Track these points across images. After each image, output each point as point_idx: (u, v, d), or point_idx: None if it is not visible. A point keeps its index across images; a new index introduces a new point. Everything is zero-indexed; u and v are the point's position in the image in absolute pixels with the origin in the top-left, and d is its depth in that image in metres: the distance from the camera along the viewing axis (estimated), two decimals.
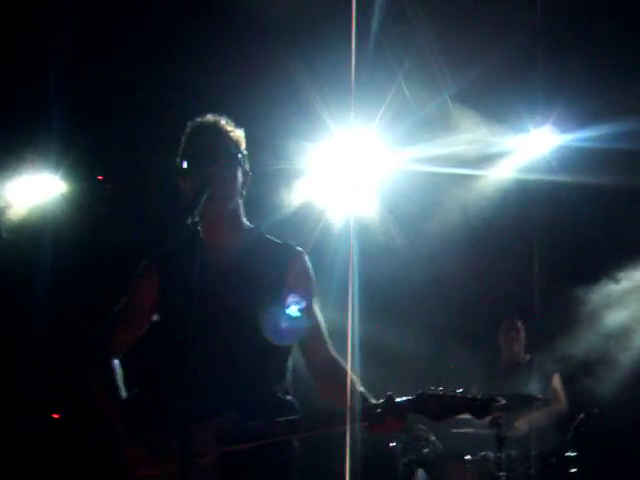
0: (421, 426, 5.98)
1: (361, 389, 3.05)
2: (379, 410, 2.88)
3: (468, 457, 5.86)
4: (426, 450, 5.97)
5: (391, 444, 6.06)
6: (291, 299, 3.08)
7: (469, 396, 2.89)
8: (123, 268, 3.50)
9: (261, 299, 3.08)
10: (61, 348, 6.81)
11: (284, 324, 3.08)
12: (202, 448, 2.76)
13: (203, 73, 6.37)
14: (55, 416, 6.84)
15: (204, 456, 2.80)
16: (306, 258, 3.27)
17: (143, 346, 3.25)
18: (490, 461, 5.74)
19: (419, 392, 2.90)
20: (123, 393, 3.13)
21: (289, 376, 3.19)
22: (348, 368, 3.15)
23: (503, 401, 5.59)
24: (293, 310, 3.09)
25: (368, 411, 2.89)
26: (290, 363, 3.21)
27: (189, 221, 2.63)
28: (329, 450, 5.56)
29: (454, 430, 6.26)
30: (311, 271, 3.27)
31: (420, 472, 5.93)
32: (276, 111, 6.63)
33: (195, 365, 2.50)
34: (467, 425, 6.02)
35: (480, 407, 2.87)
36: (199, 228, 2.64)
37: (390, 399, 2.89)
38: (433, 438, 6.07)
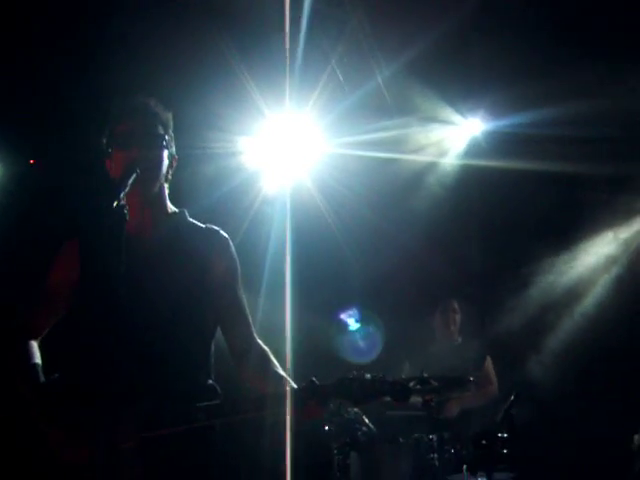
0: (355, 409, 6.00)
1: (283, 374, 3.06)
2: (301, 395, 2.88)
3: (401, 440, 5.88)
4: (359, 433, 5.99)
5: (325, 428, 6.06)
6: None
7: (389, 380, 2.89)
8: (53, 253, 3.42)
9: (184, 284, 3.06)
10: None
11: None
12: (124, 433, 2.73)
13: (134, 54, 6.27)
14: None
15: (126, 441, 2.77)
16: (230, 243, 3.26)
17: (63, 329, 3.19)
18: (423, 443, 5.77)
19: (340, 376, 2.90)
20: (41, 377, 3.08)
21: (211, 361, 3.18)
22: (271, 355, 3.17)
23: (435, 384, 5.75)
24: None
25: (291, 396, 2.88)
26: (212, 348, 3.19)
27: (115, 203, 2.59)
28: (254, 433, 5.60)
29: (388, 413, 6.31)
30: (235, 256, 3.26)
31: (353, 455, 5.94)
32: (209, 94, 6.57)
33: (116, 351, 2.48)
34: (400, 407, 6.07)
35: (400, 391, 2.89)
36: (125, 211, 2.60)
37: (312, 384, 2.89)
38: (366, 421, 6.10)
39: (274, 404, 2.88)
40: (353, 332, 7.42)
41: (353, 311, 7.62)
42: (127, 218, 2.60)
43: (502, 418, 5.82)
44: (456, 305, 7.12)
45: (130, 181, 2.78)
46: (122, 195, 2.64)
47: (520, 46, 6.39)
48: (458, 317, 7.11)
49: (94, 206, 2.74)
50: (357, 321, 7.59)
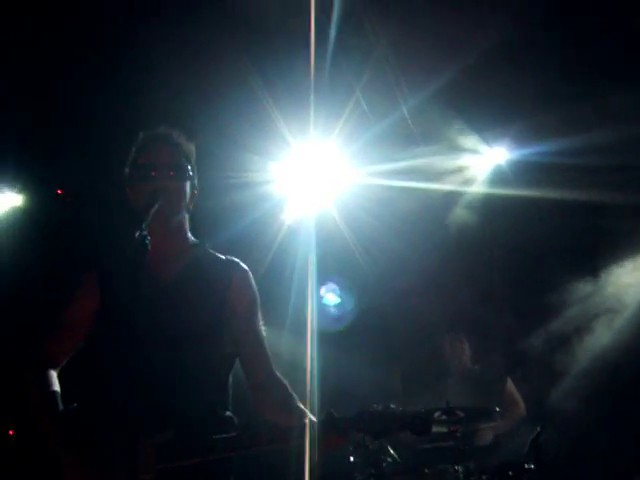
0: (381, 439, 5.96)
1: (302, 406, 3.04)
2: (319, 427, 2.86)
3: (426, 471, 5.83)
4: (384, 464, 5.94)
5: (350, 459, 6.02)
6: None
7: (410, 414, 2.86)
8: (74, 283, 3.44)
9: (202, 316, 3.07)
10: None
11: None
12: (142, 464, 2.71)
13: (160, 84, 6.34)
14: (10, 433, 6.72)
15: (144, 473, 2.76)
16: (250, 275, 3.26)
17: (82, 359, 3.21)
18: (448, 474, 5.72)
19: (360, 410, 2.88)
20: (60, 407, 3.08)
21: (229, 392, 3.17)
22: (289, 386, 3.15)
23: (460, 414, 5.72)
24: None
25: (310, 429, 2.86)
26: (231, 379, 3.19)
27: (137, 234, 2.60)
28: (279, 465, 5.56)
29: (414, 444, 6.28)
30: (255, 288, 3.26)
31: None
32: (233, 124, 6.62)
33: (134, 382, 2.48)
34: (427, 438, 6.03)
35: (420, 425, 2.85)
36: (147, 242, 2.61)
37: (330, 416, 2.87)
38: (392, 452, 6.06)
39: (292, 437, 2.87)
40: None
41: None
42: (149, 248, 2.60)
43: (529, 449, 5.76)
44: (462, 336, 7.10)
45: (152, 211, 2.79)
46: (144, 225, 2.65)
47: (546, 74, 6.39)
48: (467, 347, 7.09)
49: (116, 236, 2.76)
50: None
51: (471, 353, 7.13)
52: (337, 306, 7.60)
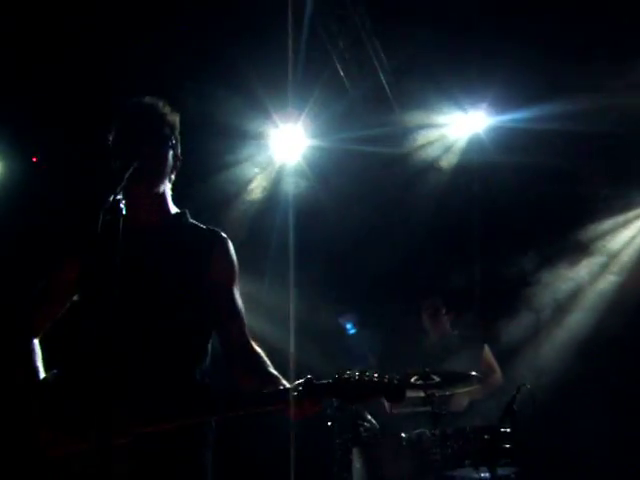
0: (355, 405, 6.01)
1: (276, 374, 3.05)
2: (296, 393, 2.86)
3: (403, 435, 5.88)
4: (362, 429, 5.99)
5: (328, 424, 6.08)
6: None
7: (384, 380, 2.88)
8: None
9: (183, 283, 3.08)
10: None
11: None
12: (117, 429, 2.69)
13: (143, 54, 6.31)
14: None
15: (120, 437, 2.77)
16: (230, 244, 3.26)
17: (63, 326, 3.21)
18: (425, 438, 5.77)
19: (336, 375, 2.89)
20: (41, 374, 3.10)
21: (207, 360, 3.18)
22: (263, 352, 3.17)
23: (437, 379, 5.76)
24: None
25: (286, 394, 2.88)
26: (209, 348, 3.20)
27: (111, 198, 2.60)
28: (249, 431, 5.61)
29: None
30: (234, 257, 3.26)
31: (356, 451, 5.95)
32: (214, 92, 6.61)
33: (114, 347, 2.48)
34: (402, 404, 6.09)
35: (394, 391, 2.89)
36: (122, 205, 2.60)
37: (308, 382, 2.88)
38: (369, 417, 6.11)
39: (269, 402, 2.89)
40: (350, 337, 7.50)
41: (350, 315, 7.69)
42: (123, 213, 2.60)
43: (504, 412, 5.82)
44: (441, 303, 7.13)
45: (127, 174, 2.78)
46: (118, 189, 2.65)
47: (525, 41, 6.39)
48: (442, 313, 7.12)
49: (93, 202, 2.76)
50: (354, 327, 7.68)
51: (450, 319, 7.16)
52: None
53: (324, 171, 7.56)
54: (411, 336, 7.16)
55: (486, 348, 6.90)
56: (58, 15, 6.15)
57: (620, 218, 7.78)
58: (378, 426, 6.14)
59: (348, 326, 7.73)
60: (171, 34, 6.31)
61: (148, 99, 3.24)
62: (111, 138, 3.18)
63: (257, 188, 7.51)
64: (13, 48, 6.27)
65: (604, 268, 7.76)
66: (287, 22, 6.30)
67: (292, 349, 5.70)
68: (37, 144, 7.35)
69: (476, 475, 5.73)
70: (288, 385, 2.95)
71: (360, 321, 7.83)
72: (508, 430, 5.75)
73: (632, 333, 6.43)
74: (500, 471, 5.66)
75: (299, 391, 2.87)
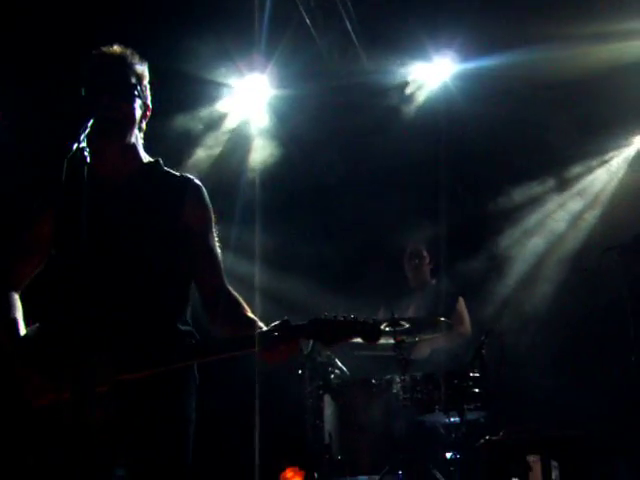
0: (327, 353, 6.06)
1: (254, 318, 3.07)
2: (274, 335, 2.88)
3: (374, 381, 5.95)
4: (332, 376, 6.04)
5: (299, 371, 6.12)
6: None
7: (360, 320, 2.93)
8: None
9: (157, 230, 3.07)
10: None
11: None
12: (98, 377, 2.73)
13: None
14: None
15: (102, 384, 2.77)
16: (204, 191, 3.26)
17: (43, 279, 3.19)
18: (395, 384, 5.84)
19: (312, 317, 2.92)
20: (22, 326, 3.09)
21: (188, 308, 3.19)
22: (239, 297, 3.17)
23: (405, 325, 5.81)
24: None
25: (263, 336, 2.89)
26: (190, 294, 3.20)
27: (75, 146, 2.57)
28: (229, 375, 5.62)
29: (360, 353, 6.38)
30: (209, 204, 3.26)
31: (327, 398, 6.00)
32: (182, 41, 6.54)
33: (93, 295, 2.50)
34: (372, 348, 6.14)
35: (371, 331, 2.93)
36: (86, 154, 2.57)
37: (285, 323, 2.90)
38: (339, 364, 6.16)
39: (247, 344, 2.90)
40: None
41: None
42: (87, 161, 2.57)
43: (473, 357, 5.90)
44: (423, 251, 7.17)
45: (90, 123, 2.73)
46: (82, 137, 2.62)
47: None
48: (426, 261, 7.17)
49: (61, 153, 2.73)
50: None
51: (430, 267, 7.20)
52: None
53: (290, 120, 7.51)
54: (392, 280, 7.18)
55: (461, 300, 6.95)
56: None
57: (593, 162, 7.82)
58: (348, 373, 6.20)
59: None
60: None
61: (116, 48, 3.20)
62: (82, 90, 3.14)
63: (223, 137, 7.47)
64: None
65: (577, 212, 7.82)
66: None
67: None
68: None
69: (446, 420, 5.82)
70: (265, 328, 2.96)
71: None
72: (477, 375, 5.84)
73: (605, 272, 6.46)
74: (469, 415, 5.76)
75: (275, 333, 2.88)
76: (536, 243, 7.83)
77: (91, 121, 2.74)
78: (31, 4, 6.15)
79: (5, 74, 6.72)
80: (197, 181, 3.27)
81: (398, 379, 5.81)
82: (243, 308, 3.14)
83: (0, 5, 6.16)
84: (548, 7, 6.34)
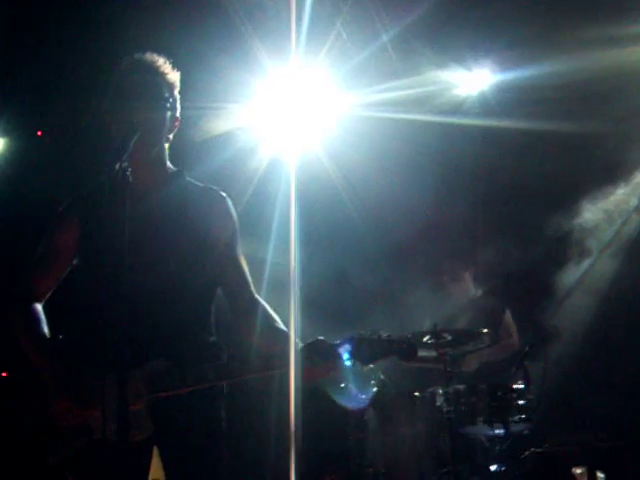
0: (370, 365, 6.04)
1: (286, 330, 3.05)
2: (307, 354, 2.87)
3: (417, 394, 5.93)
4: (375, 389, 6.04)
5: (341, 385, 6.12)
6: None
7: (396, 339, 2.90)
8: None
9: (185, 243, 3.07)
10: None
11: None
12: (132, 395, 2.67)
13: (142, 16, 6.28)
14: (3, 374, 6.73)
15: (136, 403, 2.78)
16: (229, 202, 3.26)
17: (67, 291, 3.22)
18: (439, 396, 5.82)
19: (349, 336, 2.90)
20: (48, 341, 3.08)
21: (213, 320, 3.18)
22: (272, 312, 3.17)
23: (448, 337, 5.78)
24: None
25: (299, 355, 2.88)
26: (213, 308, 3.20)
27: (117, 166, 2.58)
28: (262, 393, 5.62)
29: (403, 367, 6.36)
30: (234, 215, 3.26)
31: (370, 411, 6.00)
32: (217, 54, 6.57)
33: (122, 311, 2.48)
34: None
35: (407, 350, 2.91)
36: (128, 173, 2.60)
37: (321, 343, 2.90)
38: (382, 377, 6.15)
39: (281, 363, 2.90)
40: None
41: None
42: (130, 180, 2.60)
43: (517, 369, 5.85)
44: (460, 263, 7.12)
45: (131, 143, 2.75)
46: (125, 157, 2.63)
47: None
48: (466, 274, 7.12)
49: (97, 169, 2.76)
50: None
51: (472, 276, 7.16)
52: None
53: (329, 137, 7.52)
54: (436, 296, 7.14)
55: (507, 312, 6.87)
56: None
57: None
58: (391, 385, 6.18)
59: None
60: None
61: (147, 56, 3.19)
62: (109, 97, 3.13)
63: (260, 154, 7.50)
64: (12, 21, 6.24)
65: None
66: None
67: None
68: (41, 118, 7.31)
69: (490, 432, 5.78)
70: (299, 342, 2.95)
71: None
72: (521, 386, 5.79)
73: None
74: (514, 427, 5.71)
75: (311, 351, 2.88)
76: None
77: (133, 141, 2.76)
78: (64, 19, 6.24)
79: (47, 96, 6.85)
80: (222, 192, 3.27)
81: (441, 391, 5.78)
82: (273, 319, 3.13)
83: (36, 21, 6.27)
84: (585, 16, 6.28)
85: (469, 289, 7.11)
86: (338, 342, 2.90)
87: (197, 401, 2.95)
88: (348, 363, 2.91)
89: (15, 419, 3.05)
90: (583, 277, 7.54)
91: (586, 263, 7.50)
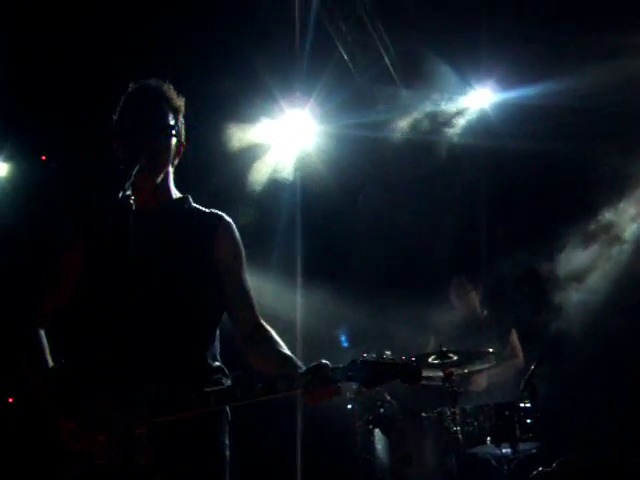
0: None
1: (291, 355, 3.04)
2: (311, 377, 2.83)
3: (424, 414, 5.91)
4: (382, 410, 6.03)
5: (348, 406, 6.12)
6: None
7: (400, 363, 2.86)
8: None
9: (189, 269, 3.07)
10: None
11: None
12: (135, 419, 2.65)
13: (150, 42, 6.32)
14: (10, 400, 6.72)
15: (138, 427, 2.74)
16: (234, 227, 3.25)
17: (68, 315, 3.21)
18: (446, 416, 5.80)
19: (352, 359, 2.87)
20: (49, 367, 3.06)
21: (217, 345, 3.18)
22: (276, 335, 3.15)
23: (454, 357, 5.77)
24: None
25: (301, 379, 2.84)
26: (218, 332, 3.19)
27: (121, 194, 2.59)
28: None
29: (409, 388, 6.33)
30: (239, 240, 3.25)
31: (377, 432, 5.98)
32: (219, 76, 6.63)
33: (124, 335, 2.48)
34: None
35: (411, 374, 2.86)
36: (131, 201, 2.61)
37: (322, 367, 2.85)
38: (388, 397, 6.14)
39: (284, 387, 2.86)
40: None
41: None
42: (133, 208, 2.60)
43: (524, 388, 5.82)
44: (465, 282, 7.11)
45: (134, 172, 2.75)
46: (127, 185, 2.64)
47: (532, 17, 6.36)
48: (470, 292, 7.10)
49: (100, 195, 2.77)
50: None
51: (478, 295, 7.16)
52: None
53: (331, 156, 7.55)
54: (443, 315, 7.12)
55: (513, 332, 6.86)
56: (63, 12, 6.16)
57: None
58: (397, 406, 6.17)
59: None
60: (175, 20, 6.31)
61: (153, 82, 3.19)
62: (115, 121, 3.15)
63: (263, 175, 7.52)
64: (18, 47, 6.28)
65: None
66: (294, 7, 6.33)
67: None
68: (46, 143, 7.35)
69: (498, 451, 5.75)
70: (303, 367, 2.92)
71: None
72: (528, 405, 5.77)
73: None
74: (522, 446, 5.69)
75: (313, 377, 2.84)
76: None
77: (135, 170, 2.77)
78: (69, 43, 6.28)
79: (52, 121, 6.88)
80: (227, 218, 3.26)
81: (448, 411, 5.76)
82: (278, 344, 3.12)
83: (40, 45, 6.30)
84: (587, 35, 6.31)
85: (476, 308, 7.09)
86: (340, 366, 2.87)
87: (200, 425, 2.94)
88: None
89: (19, 445, 3.03)
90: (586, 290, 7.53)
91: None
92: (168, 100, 3.16)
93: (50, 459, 2.94)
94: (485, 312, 7.08)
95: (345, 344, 7.78)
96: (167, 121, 3.12)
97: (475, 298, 7.12)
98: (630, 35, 6.27)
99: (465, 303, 7.07)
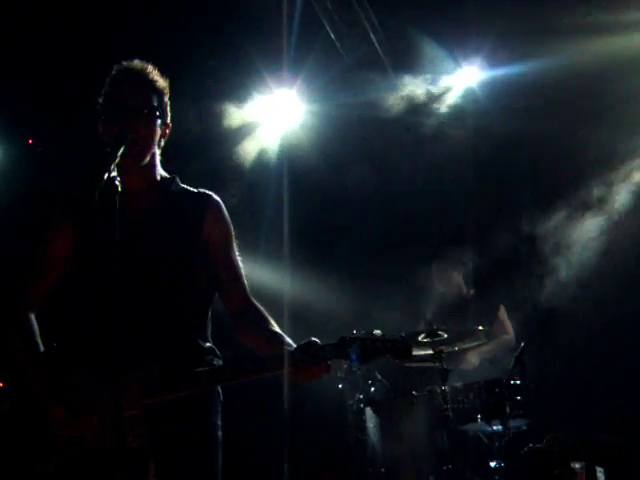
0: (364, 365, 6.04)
1: (280, 332, 3.05)
2: (301, 355, 2.85)
3: (414, 393, 5.93)
4: (373, 389, 6.05)
5: (339, 386, 6.13)
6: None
7: (390, 339, 2.89)
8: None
9: (178, 248, 3.07)
10: None
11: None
12: (127, 400, 2.68)
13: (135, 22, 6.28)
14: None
15: (130, 409, 2.76)
16: (222, 206, 3.25)
17: (61, 298, 3.20)
18: (436, 395, 5.81)
19: (342, 337, 2.88)
20: (41, 352, 3.07)
21: (209, 325, 3.18)
22: (266, 313, 3.17)
23: (443, 335, 5.78)
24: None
25: (291, 357, 2.85)
26: (210, 312, 3.20)
27: (106, 176, 2.58)
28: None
29: (400, 365, 6.34)
30: (228, 218, 3.25)
31: (368, 411, 6.00)
32: (205, 53, 6.60)
33: (114, 317, 2.48)
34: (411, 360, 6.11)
35: (401, 349, 2.89)
36: (117, 183, 2.60)
37: (313, 344, 2.87)
38: (379, 377, 6.15)
39: (275, 365, 2.87)
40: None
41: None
42: (119, 190, 2.59)
43: (514, 365, 5.84)
44: (447, 262, 7.10)
45: (119, 153, 2.75)
46: (112, 167, 2.63)
47: None
48: (453, 272, 7.11)
49: (86, 178, 2.76)
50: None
51: (460, 274, 7.16)
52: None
53: (319, 134, 7.53)
54: (433, 293, 7.13)
55: (502, 309, 6.87)
56: None
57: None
58: (388, 385, 6.19)
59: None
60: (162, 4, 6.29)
61: (137, 64, 3.18)
62: (100, 103, 3.14)
63: (251, 154, 7.50)
64: (6, 29, 6.23)
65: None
66: None
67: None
68: (32, 127, 7.30)
69: (489, 428, 5.79)
70: (292, 344, 2.94)
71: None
72: (518, 382, 5.79)
73: None
74: (512, 423, 5.72)
75: (303, 354, 2.85)
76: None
77: (121, 150, 2.76)
78: (55, 26, 6.23)
79: (38, 104, 6.84)
80: (216, 197, 3.27)
81: (439, 390, 5.78)
82: (268, 322, 3.13)
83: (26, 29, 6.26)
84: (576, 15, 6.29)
85: (460, 288, 7.09)
86: (331, 343, 2.88)
87: (192, 406, 2.94)
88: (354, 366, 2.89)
89: (10, 429, 3.03)
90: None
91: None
92: (152, 81, 3.15)
93: (40, 444, 2.93)
94: (472, 291, 7.09)
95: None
96: (151, 102, 3.11)
97: (457, 277, 7.11)
98: (618, 12, 6.25)
99: (448, 284, 7.07)
